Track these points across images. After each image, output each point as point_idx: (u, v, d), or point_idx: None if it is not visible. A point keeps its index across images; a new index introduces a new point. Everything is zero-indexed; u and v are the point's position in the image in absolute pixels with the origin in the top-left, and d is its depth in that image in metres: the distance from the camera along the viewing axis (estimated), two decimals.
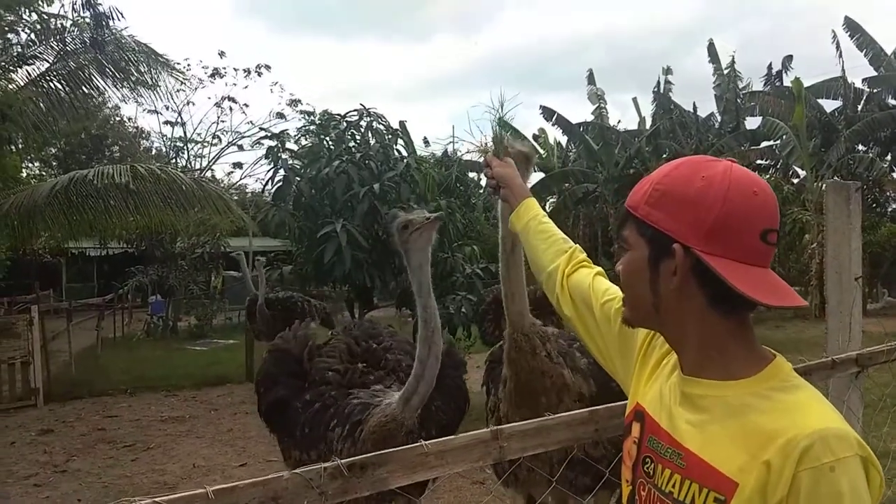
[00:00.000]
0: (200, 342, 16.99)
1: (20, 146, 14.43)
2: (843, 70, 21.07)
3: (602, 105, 24.60)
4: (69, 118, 15.10)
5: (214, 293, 20.42)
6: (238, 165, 24.38)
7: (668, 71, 24.89)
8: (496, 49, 78.32)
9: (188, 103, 22.07)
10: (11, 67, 11.97)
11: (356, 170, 8.21)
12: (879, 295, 20.83)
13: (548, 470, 2.88)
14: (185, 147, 23.49)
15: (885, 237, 20.17)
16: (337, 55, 70.81)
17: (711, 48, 24.75)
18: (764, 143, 23.33)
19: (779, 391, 1.17)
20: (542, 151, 25.22)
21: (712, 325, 1.23)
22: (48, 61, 12.20)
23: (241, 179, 25.60)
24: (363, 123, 9.41)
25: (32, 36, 12.17)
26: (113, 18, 12.18)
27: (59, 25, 12.15)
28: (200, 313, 18.97)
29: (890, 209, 24.27)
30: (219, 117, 22.62)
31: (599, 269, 1.83)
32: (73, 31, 12.19)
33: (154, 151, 26.67)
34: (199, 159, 23.72)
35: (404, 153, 9.47)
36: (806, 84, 20.49)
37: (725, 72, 24.27)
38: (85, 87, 12.46)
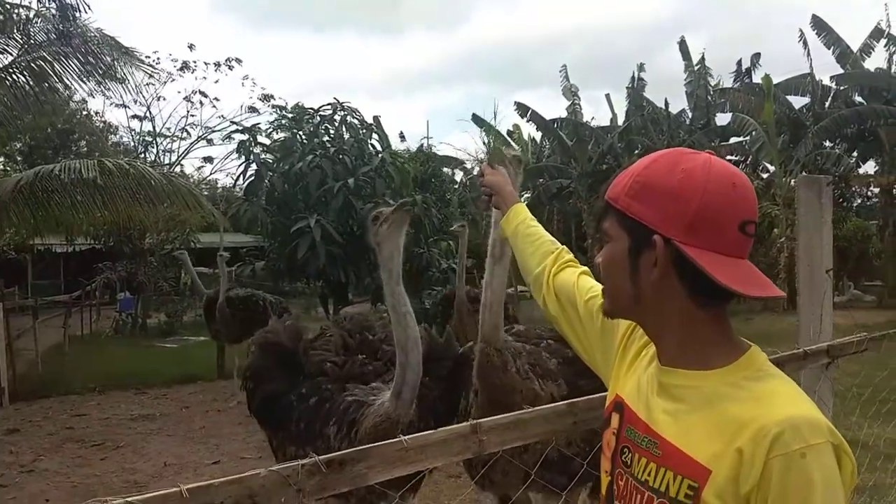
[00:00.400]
0: (170, 339, 16.74)
1: None
2: (811, 67, 21.48)
3: (576, 101, 24.73)
4: (34, 112, 14.76)
5: (184, 290, 20.13)
6: (208, 160, 24.02)
7: (641, 68, 25.12)
8: (472, 45, 78.30)
9: (157, 97, 21.73)
10: None
11: (330, 164, 8.17)
12: (845, 288, 21.27)
13: (523, 472, 2.88)
14: (154, 142, 23.11)
15: (850, 232, 20.60)
16: (311, 50, 70.35)
17: (683, 45, 25.03)
18: (733, 139, 23.68)
19: (752, 380, 1.19)
20: (516, 147, 25.30)
21: (691, 316, 1.24)
22: (12, 54, 11.89)
23: (211, 174, 25.28)
24: (337, 118, 9.33)
25: None
26: (80, 10, 11.90)
27: (24, 17, 11.83)
28: (170, 310, 18.70)
29: (855, 204, 24.81)
30: (188, 111, 22.27)
31: (585, 268, 1.85)
32: (38, 22, 11.89)
33: (122, 146, 26.19)
34: (168, 154, 23.35)
35: (379, 148, 9.41)
36: (775, 81, 20.83)
37: (696, 69, 24.55)
38: (50, 80, 12.17)
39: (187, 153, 23.19)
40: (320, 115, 9.21)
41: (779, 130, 20.44)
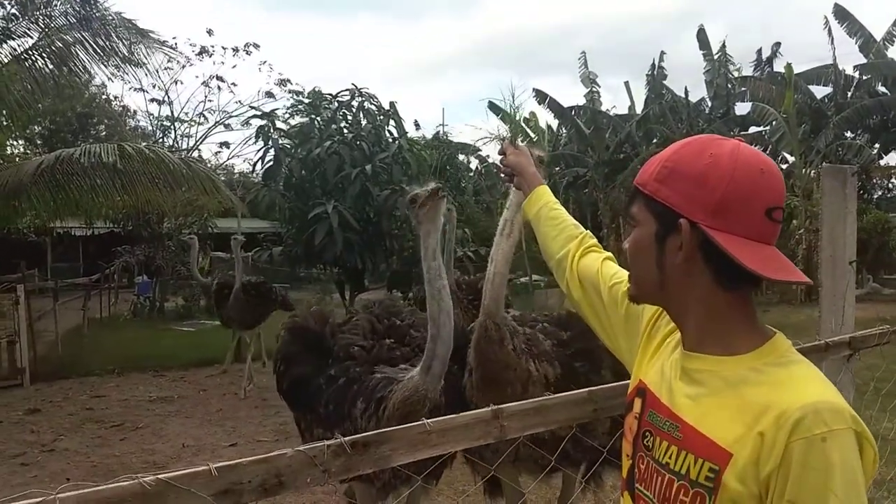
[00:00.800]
0: (187, 323, 16.91)
1: (4, 124, 14.20)
2: (833, 57, 21.16)
3: (594, 89, 24.53)
4: (54, 96, 14.85)
5: (202, 274, 20.29)
6: (225, 145, 24.14)
7: (661, 56, 24.87)
8: (489, 31, 77.75)
9: (175, 82, 21.82)
10: None
11: (348, 150, 8.17)
12: (864, 281, 21.04)
13: (514, 453, 2.90)
14: (171, 126, 23.24)
15: (871, 224, 20.33)
16: (327, 35, 70.10)
17: (701, 34, 24.71)
18: (753, 129, 23.41)
19: (775, 366, 1.20)
20: (532, 135, 25.17)
21: (716, 300, 1.25)
22: (32, 37, 11.97)
23: (228, 159, 25.41)
24: (354, 104, 9.32)
25: (15, 10, 11.93)
26: None
27: None
28: (187, 294, 18.86)
29: (876, 196, 24.48)
30: (206, 96, 22.36)
31: (609, 253, 1.86)
32: (58, 5, 11.95)
33: (140, 131, 26.36)
34: (185, 139, 23.49)
35: (396, 134, 9.40)
36: (797, 70, 20.57)
37: (716, 57, 24.26)
38: (70, 64, 12.24)
39: (205, 138, 23.34)
40: (338, 101, 9.20)
41: (800, 120, 20.19)
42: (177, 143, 23.10)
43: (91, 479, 6.10)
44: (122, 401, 9.13)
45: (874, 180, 22.79)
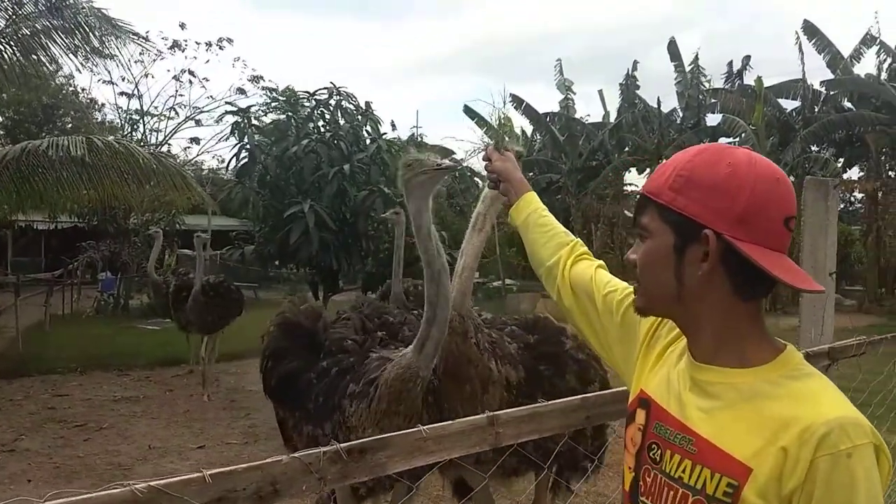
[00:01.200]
0: (152, 321, 16.53)
1: None
2: (802, 72, 21.60)
3: (569, 96, 24.71)
4: (20, 85, 14.44)
5: (168, 271, 19.91)
6: (195, 141, 23.82)
7: (634, 66, 25.14)
8: (466, 36, 77.91)
9: (146, 75, 21.45)
10: None
11: (326, 149, 8.07)
12: None
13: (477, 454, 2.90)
14: (141, 120, 22.83)
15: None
16: (304, 34, 69.50)
17: (672, 46, 25.04)
18: (722, 140, 23.79)
19: (791, 378, 1.19)
20: (507, 139, 25.21)
21: (733, 311, 1.24)
22: None
23: (198, 155, 25.01)
24: (332, 102, 9.23)
25: None
26: None
27: None
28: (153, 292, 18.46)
29: (838, 208, 25.01)
30: (177, 91, 22.03)
31: (600, 262, 1.84)
32: None
33: (108, 124, 25.84)
34: (155, 133, 23.09)
35: (373, 135, 9.33)
36: (766, 84, 20.94)
37: (689, 68, 24.61)
38: (38, 53, 11.93)
39: (174, 133, 22.98)
40: (316, 99, 9.09)
41: (768, 133, 20.59)
42: (146, 137, 22.70)
43: (54, 480, 5.92)
44: (86, 400, 8.90)
45: (840, 194, 23.31)
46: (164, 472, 6.24)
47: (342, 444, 1.67)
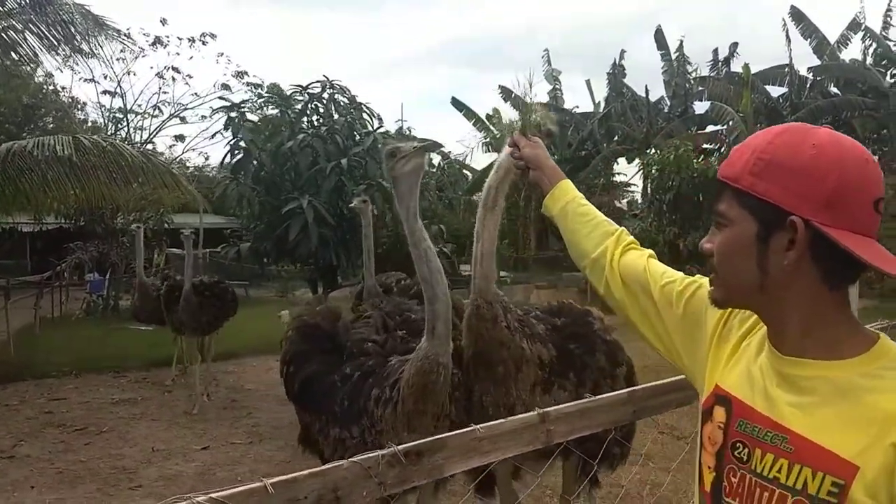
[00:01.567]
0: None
1: None
2: (790, 57, 21.70)
3: (557, 87, 24.68)
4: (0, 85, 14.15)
5: (157, 271, 19.69)
6: (180, 138, 23.55)
7: (621, 55, 25.15)
8: (451, 27, 77.42)
9: (128, 72, 21.16)
10: None
11: (321, 144, 7.96)
12: None
13: None
14: (124, 119, 22.53)
15: None
16: (287, 29, 68.81)
17: (659, 34, 25.08)
18: (710, 128, 23.86)
19: (892, 370, 1.13)
20: (495, 132, 25.16)
21: (822, 301, 1.18)
22: None
23: (183, 153, 24.74)
24: (325, 96, 9.11)
25: None
26: None
27: None
28: None
29: None
30: (160, 88, 21.77)
31: (650, 251, 1.77)
32: None
33: (90, 123, 25.49)
34: (139, 132, 22.81)
35: (368, 128, 9.23)
36: (752, 71, 21.01)
37: (674, 56, 24.65)
38: (18, 51, 11.70)
39: (159, 131, 22.71)
40: (309, 93, 8.97)
41: (756, 120, 20.66)
42: (130, 135, 22.41)
43: (58, 486, 5.81)
44: (83, 403, 8.75)
45: None
46: (170, 474, 6.15)
47: (399, 447, 1.60)
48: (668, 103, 24.48)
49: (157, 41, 21.28)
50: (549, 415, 1.91)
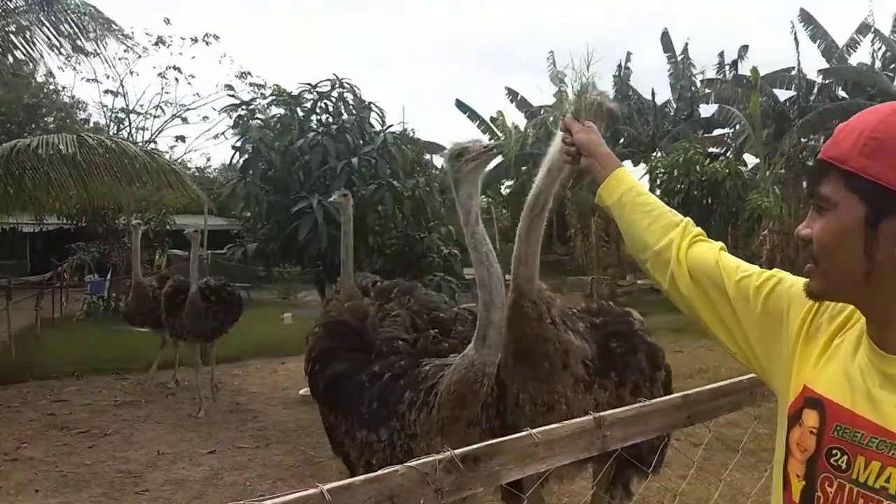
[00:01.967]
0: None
1: None
2: (798, 61, 21.61)
3: (563, 89, 24.58)
4: (4, 85, 14.08)
5: (168, 272, 19.53)
6: (181, 139, 23.47)
7: (627, 57, 25.09)
8: (452, 28, 77.18)
9: (130, 72, 21.07)
10: None
11: (332, 142, 7.84)
12: None
13: None
14: (126, 119, 22.44)
15: None
16: (284, 29, 68.61)
17: (665, 37, 25.01)
18: (717, 131, 23.79)
19: None
20: (499, 134, 25.09)
21: None
22: None
23: (185, 154, 24.64)
24: (335, 95, 9.00)
25: None
26: None
27: None
28: None
29: None
30: (163, 88, 21.68)
31: (720, 243, 1.64)
32: None
33: (92, 123, 25.38)
34: (141, 132, 22.71)
35: (378, 127, 9.13)
36: (760, 73, 20.91)
37: (680, 59, 24.59)
38: (21, 50, 11.59)
39: (161, 131, 22.62)
40: (318, 91, 8.87)
41: (763, 123, 20.59)
42: (132, 136, 22.32)
43: (63, 490, 5.68)
44: (86, 405, 8.62)
45: None
46: (176, 478, 6.01)
47: (455, 451, 1.49)
48: (675, 106, 24.41)
49: (160, 41, 21.23)
50: (605, 419, 1.79)
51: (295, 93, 8.84)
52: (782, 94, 22.63)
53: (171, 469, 6.26)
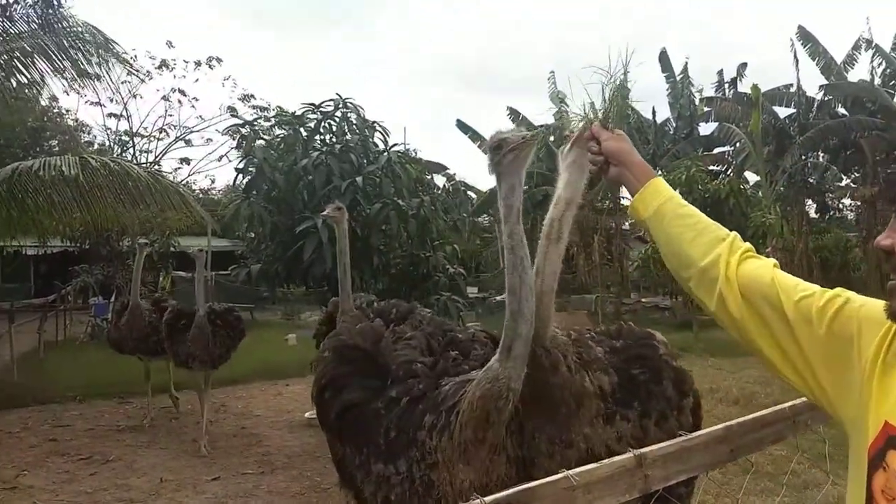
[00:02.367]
0: None
1: None
2: (797, 78, 21.62)
3: (563, 108, 24.58)
4: (8, 109, 14.10)
5: (163, 294, 19.44)
6: (186, 161, 23.47)
7: (625, 76, 25.05)
8: (445, 49, 77.64)
9: (134, 96, 21.13)
10: None
11: (336, 162, 7.76)
12: None
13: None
14: (130, 141, 22.46)
15: (832, 242, 20.70)
16: (284, 51, 69.03)
17: (664, 56, 25.02)
18: (717, 149, 23.73)
19: None
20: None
21: None
22: None
23: (189, 176, 24.65)
24: (338, 115, 8.95)
25: None
26: None
27: (3, 1, 11.25)
28: None
29: (827, 216, 25.00)
30: (166, 111, 21.72)
31: (774, 259, 1.51)
32: (18, 8, 11.31)
33: (96, 146, 25.41)
34: (145, 154, 22.73)
35: (382, 146, 9.07)
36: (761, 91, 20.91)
37: (679, 78, 24.58)
38: (28, 73, 11.57)
39: (165, 153, 22.63)
40: (322, 112, 8.81)
41: (764, 140, 20.54)
42: (136, 158, 22.34)
43: None
44: (88, 430, 8.47)
45: (835, 200, 23.29)
46: None
47: (486, 499, 1.37)
48: (674, 125, 24.38)
49: (164, 64, 21.30)
50: (645, 457, 1.67)
51: (298, 113, 8.78)
52: (782, 112, 22.64)
53: (175, 497, 6.11)
